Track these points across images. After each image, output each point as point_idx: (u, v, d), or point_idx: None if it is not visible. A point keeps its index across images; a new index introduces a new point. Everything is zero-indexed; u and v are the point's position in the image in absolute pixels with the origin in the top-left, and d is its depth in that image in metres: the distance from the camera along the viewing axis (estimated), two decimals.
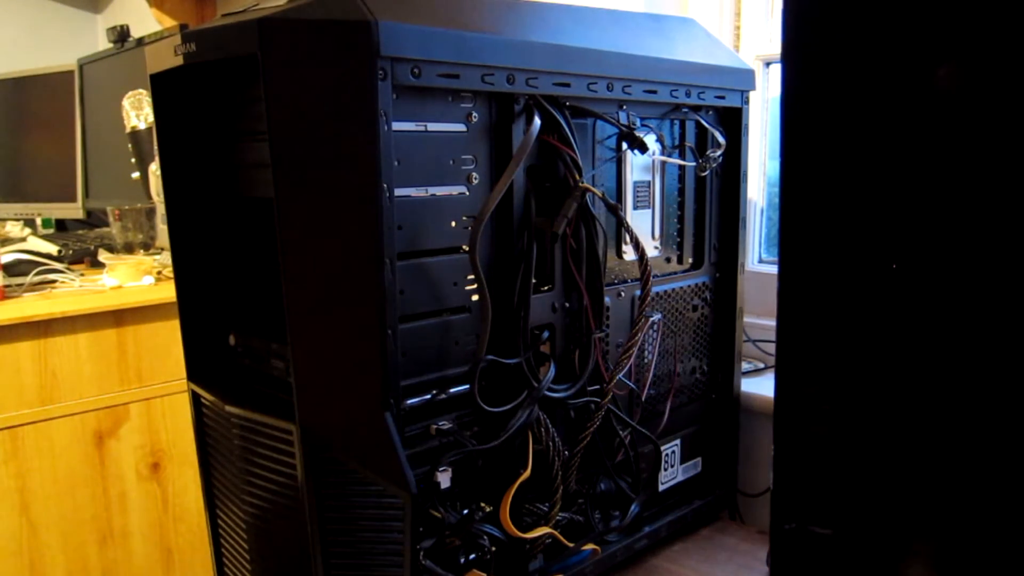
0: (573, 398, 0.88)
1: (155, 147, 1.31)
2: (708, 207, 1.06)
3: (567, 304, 0.88)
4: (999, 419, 0.55)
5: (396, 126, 0.70)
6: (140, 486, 1.48)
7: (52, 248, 1.65)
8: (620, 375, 0.91)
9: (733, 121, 1.06)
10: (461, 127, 0.77)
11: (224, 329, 0.87)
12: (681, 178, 1.03)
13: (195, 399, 0.89)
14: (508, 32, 0.79)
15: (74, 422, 1.40)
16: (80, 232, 2.09)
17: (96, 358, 1.42)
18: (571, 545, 0.91)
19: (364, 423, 0.71)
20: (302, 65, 0.66)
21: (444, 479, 0.77)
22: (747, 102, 1.07)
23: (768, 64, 1.40)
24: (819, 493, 0.63)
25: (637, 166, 0.96)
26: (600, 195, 0.86)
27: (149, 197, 1.69)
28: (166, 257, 1.57)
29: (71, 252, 1.70)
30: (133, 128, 1.72)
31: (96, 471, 1.43)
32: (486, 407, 0.79)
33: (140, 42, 1.94)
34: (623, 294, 0.95)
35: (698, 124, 1.02)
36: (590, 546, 0.93)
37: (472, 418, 0.81)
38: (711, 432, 1.12)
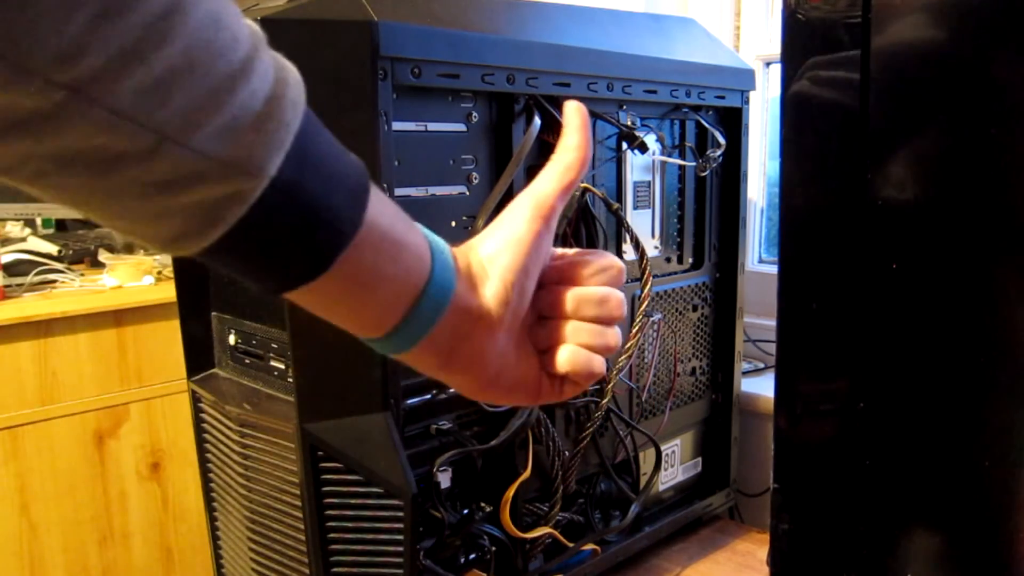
0: (573, 398, 0.88)
1: None
2: (708, 207, 1.06)
3: None
4: (1000, 419, 0.55)
5: (396, 126, 0.70)
6: (140, 486, 1.48)
7: (52, 248, 1.65)
8: (620, 375, 0.91)
9: (733, 121, 1.06)
10: (461, 127, 0.77)
11: (224, 329, 0.87)
12: (681, 178, 1.03)
13: (195, 399, 0.89)
14: (508, 32, 0.79)
15: (74, 422, 1.40)
16: (80, 232, 2.09)
17: (96, 358, 1.42)
18: (571, 545, 0.91)
19: (364, 423, 0.71)
20: (302, 64, 0.66)
21: (444, 479, 0.77)
22: (747, 102, 1.07)
23: (768, 64, 1.40)
24: (819, 493, 0.63)
25: (637, 166, 0.96)
26: (600, 195, 0.86)
27: None
28: (166, 257, 1.57)
29: (71, 252, 1.69)
30: None
31: (96, 471, 1.43)
32: (486, 407, 0.79)
33: None
34: (623, 294, 0.95)
35: (698, 124, 1.02)
36: (590, 546, 0.93)
37: (472, 418, 0.81)
38: (711, 432, 1.12)
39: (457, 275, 0.38)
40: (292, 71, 0.32)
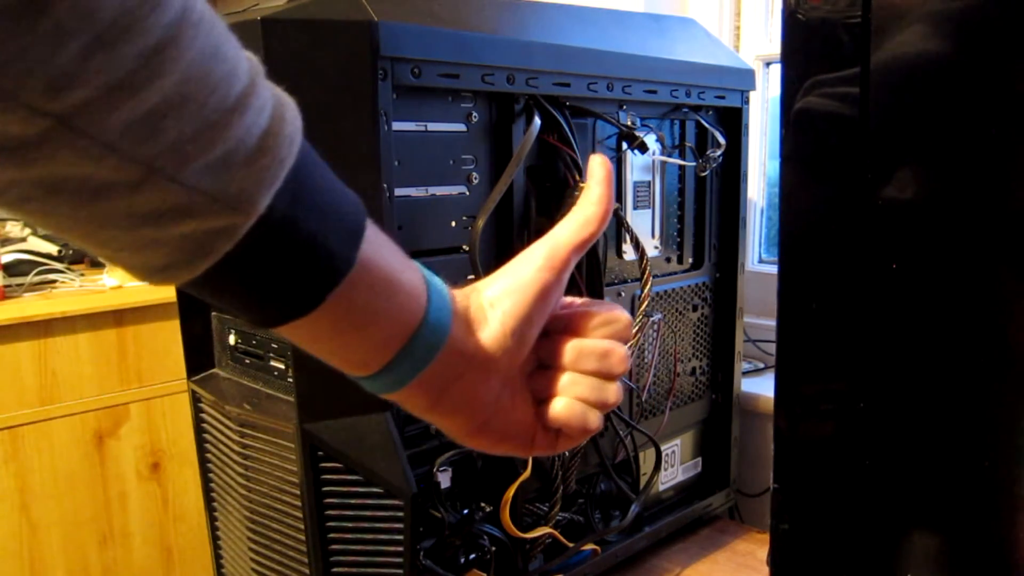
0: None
1: None
2: (708, 207, 1.06)
3: None
4: (1000, 420, 0.55)
5: (396, 126, 0.70)
6: (140, 486, 1.48)
7: (52, 248, 1.65)
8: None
9: (733, 121, 1.06)
10: (461, 127, 0.78)
11: (224, 329, 0.87)
12: (681, 178, 1.03)
13: (195, 399, 0.89)
14: (508, 32, 0.79)
15: (74, 422, 1.40)
16: None
17: (96, 358, 1.42)
18: (571, 545, 0.91)
19: (364, 423, 0.71)
20: (303, 64, 0.66)
21: (444, 479, 0.77)
22: (747, 102, 1.07)
23: (768, 64, 1.40)
24: (819, 493, 0.63)
25: (637, 166, 0.96)
26: None
27: None
28: None
29: (71, 252, 1.70)
30: None
31: (96, 471, 1.43)
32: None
33: None
34: (623, 294, 0.95)
35: (698, 124, 1.02)
36: (590, 546, 0.93)
37: None
38: (711, 432, 1.12)
39: (454, 316, 0.38)
40: (290, 105, 0.32)
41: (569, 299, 0.43)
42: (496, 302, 0.39)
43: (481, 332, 0.39)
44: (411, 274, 0.37)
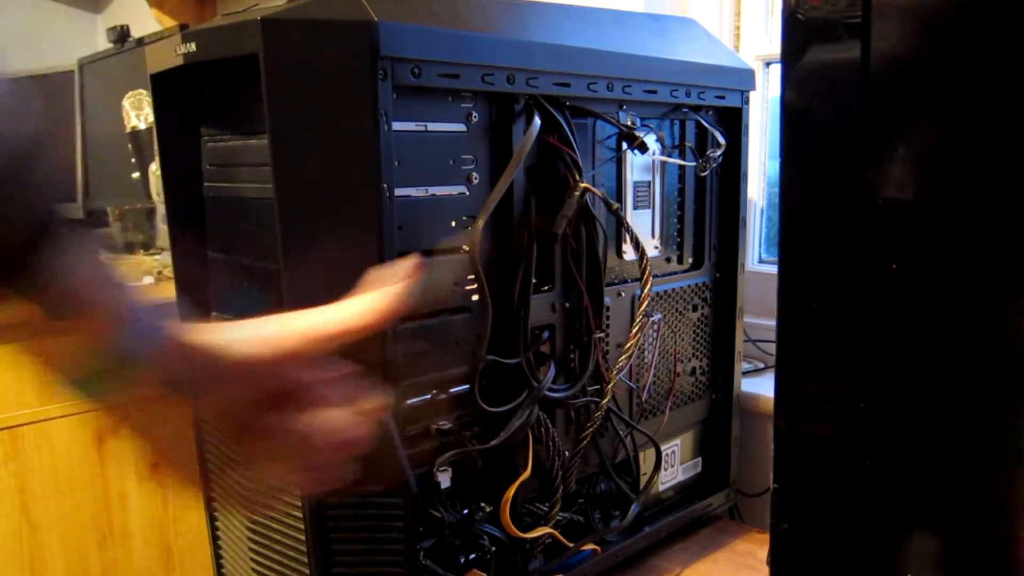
0: (573, 398, 0.88)
1: (155, 147, 1.31)
2: (708, 207, 1.06)
3: (567, 304, 0.88)
4: (1000, 420, 0.55)
5: (396, 126, 0.70)
6: (140, 486, 1.48)
7: None
8: (620, 375, 0.91)
9: (733, 121, 1.06)
10: (461, 127, 0.77)
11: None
12: (681, 178, 1.03)
13: None
14: (508, 32, 0.79)
15: (74, 422, 1.39)
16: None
17: None
18: (571, 545, 0.90)
19: None
20: (303, 65, 0.66)
21: (444, 479, 0.77)
22: (747, 102, 1.07)
23: (768, 64, 1.40)
24: (819, 493, 0.63)
25: (637, 166, 0.96)
26: (600, 195, 0.86)
27: (149, 197, 1.69)
28: (166, 257, 1.57)
29: None
30: (133, 128, 1.72)
31: (96, 471, 1.43)
32: (486, 407, 0.79)
33: (140, 42, 1.94)
34: (623, 294, 0.95)
35: (698, 124, 1.02)
36: (590, 546, 0.93)
37: (472, 418, 0.81)
38: (711, 432, 1.12)
39: (151, 348, 0.38)
40: None
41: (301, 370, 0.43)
42: (203, 351, 0.40)
43: (173, 369, 0.39)
44: (102, 295, 0.37)
